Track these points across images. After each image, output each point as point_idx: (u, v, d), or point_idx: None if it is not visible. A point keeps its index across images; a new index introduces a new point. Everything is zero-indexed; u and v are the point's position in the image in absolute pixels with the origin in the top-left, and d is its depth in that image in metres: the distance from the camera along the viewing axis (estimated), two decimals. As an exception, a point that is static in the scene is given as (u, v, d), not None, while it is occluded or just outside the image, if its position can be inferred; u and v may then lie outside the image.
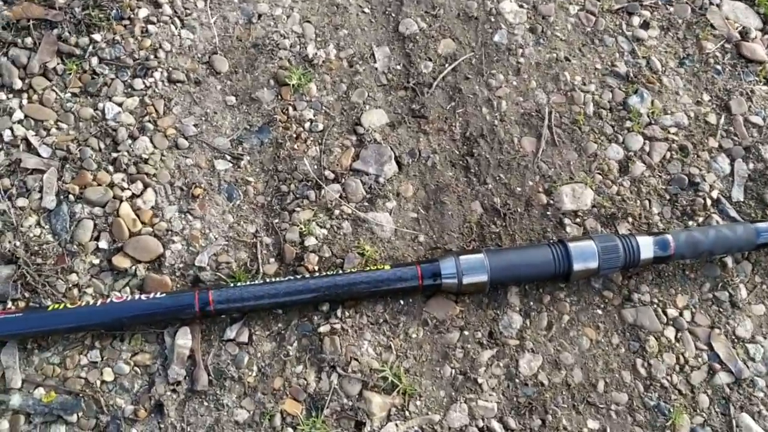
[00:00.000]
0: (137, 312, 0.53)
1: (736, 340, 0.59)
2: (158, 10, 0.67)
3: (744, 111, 0.68)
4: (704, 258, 0.60)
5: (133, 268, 0.57)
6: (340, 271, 0.56)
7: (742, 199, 0.65)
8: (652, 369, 0.57)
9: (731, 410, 0.57)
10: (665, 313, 0.60)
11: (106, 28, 0.66)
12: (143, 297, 0.54)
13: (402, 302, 0.58)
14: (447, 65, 0.67)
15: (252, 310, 0.56)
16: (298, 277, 0.56)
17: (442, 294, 0.57)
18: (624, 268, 0.58)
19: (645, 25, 0.71)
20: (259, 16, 0.68)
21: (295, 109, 0.64)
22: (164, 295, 0.54)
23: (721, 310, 0.60)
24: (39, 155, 0.60)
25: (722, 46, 0.71)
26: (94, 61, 0.64)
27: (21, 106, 0.62)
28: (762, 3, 0.73)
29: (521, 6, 0.71)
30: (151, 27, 0.66)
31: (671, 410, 0.56)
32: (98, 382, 0.53)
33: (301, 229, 0.59)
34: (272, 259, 0.59)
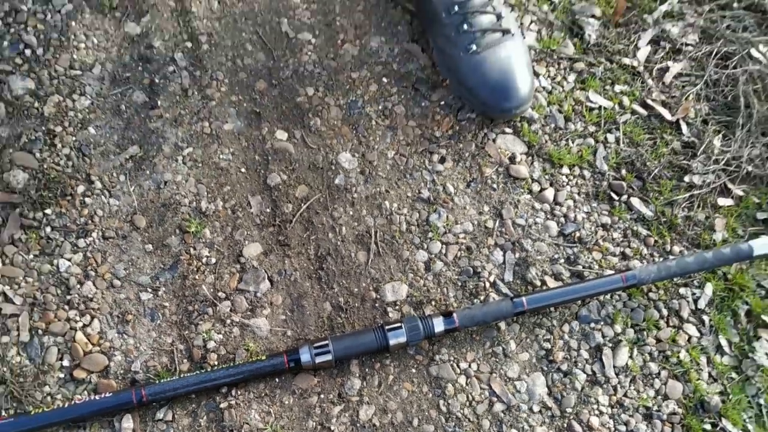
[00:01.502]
0: (93, 408, 0.78)
1: (507, 380, 0.88)
2: (91, 186, 0.94)
3: (512, 216, 0.98)
4: (481, 325, 0.89)
5: (89, 377, 0.82)
6: (232, 364, 0.83)
7: (511, 280, 0.94)
8: (450, 406, 0.85)
9: (504, 428, 0.85)
10: (459, 366, 0.87)
11: (55, 203, 0.92)
12: (97, 397, 0.79)
13: (277, 380, 0.84)
14: (302, 205, 0.95)
15: (174, 397, 0.82)
16: (203, 371, 0.82)
17: (304, 371, 0.85)
18: (426, 338, 0.86)
19: (442, 160, 1.01)
20: (165, 182, 0.95)
21: (195, 249, 0.91)
22: (111, 394, 0.79)
23: (497, 360, 0.89)
24: (14, 303, 0.86)
25: (497, 169, 1.01)
26: (48, 229, 0.90)
27: (-3, 269, 0.88)
28: (525, 132, 1.04)
29: (353, 155, 1.00)
30: (87, 199, 0.92)
31: (462, 433, 0.84)
32: (69, 461, 0.78)
33: (203, 336, 0.85)
34: (185, 360, 0.84)
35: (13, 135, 0.94)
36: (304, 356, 0.81)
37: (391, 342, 0.82)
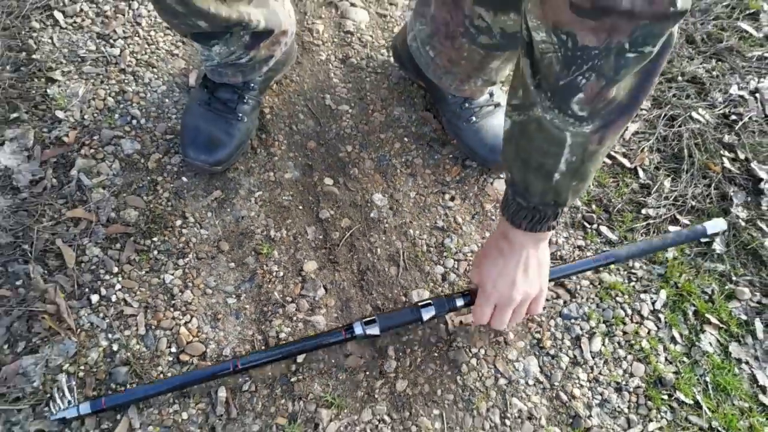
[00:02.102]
0: (198, 377, 1.04)
1: (508, 361, 1.14)
2: (186, 220, 1.22)
3: (508, 239, 1.27)
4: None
5: (191, 359, 1.09)
6: (303, 337, 1.09)
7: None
8: (465, 381, 1.10)
9: (507, 397, 1.11)
10: (470, 351, 1.14)
11: (159, 233, 1.20)
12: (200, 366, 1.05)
13: (333, 360, 1.11)
14: (347, 233, 1.24)
15: (258, 365, 1.02)
16: (281, 344, 1.08)
17: (357, 344, 1.11)
18: (450, 311, 1.07)
19: (452, 198, 1.30)
20: (242, 217, 1.24)
21: (267, 266, 1.19)
22: (211, 365, 1.06)
23: (500, 346, 1.15)
24: (132, 306, 1.13)
25: (495, 205, 1.31)
26: (155, 252, 1.18)
27: (118, 281, 1.15)
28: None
29: (384, 195, 1.29)
30: (184, 230, 1.21)
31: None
32: (180, 419, 1.03)
33: (276, 329, 1.12)
34: (263, 347, 1.11)
35: (126, 183, 1.23)
36: (357, 329, 1.02)
37: (424, 316, 1.02)
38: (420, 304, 1.04)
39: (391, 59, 1.44)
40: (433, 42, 1.22)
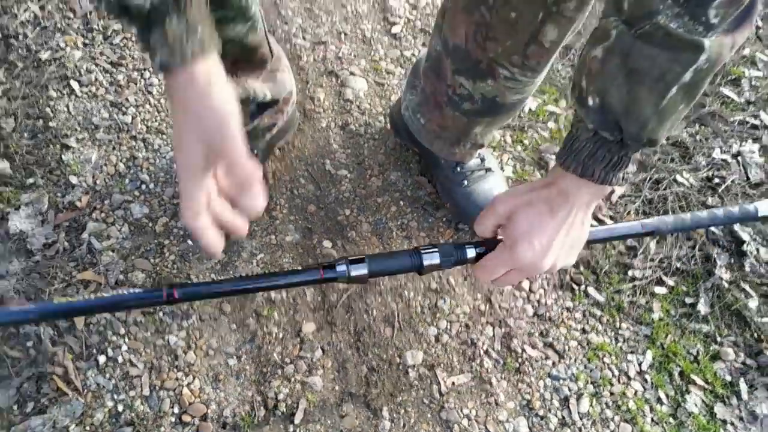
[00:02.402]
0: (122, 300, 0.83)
1: (498, 422, 1.18)
2: (189, 321, 1.28)
3: (499, 301, 1.32)
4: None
5: (192, 420, 1.13)
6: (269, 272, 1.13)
7: (499, 349, 1.26)
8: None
9: None
10: (462, 411, 1.18)
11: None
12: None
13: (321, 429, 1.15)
14: (344, 294, 1.30)
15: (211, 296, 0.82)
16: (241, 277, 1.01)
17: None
18: (457, 264, 0.81)
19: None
20: (244, 279, 1.30)
21: (267, 327, 1.24)
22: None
23: (490, 407, 1.20)
24: (138, 367, 1.18)
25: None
26: (161, 314, 1.24)
27: (125, 342, 1.20)
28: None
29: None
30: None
31: None
32: None
33: (275, 390, 1.17)
34: (262, 408, 1.16)
35: (134, 246, 1.30)
36: (340, 267, 0.77)
37: (425, 262, 0.79)
38: (422, 248, 0.80)
39: (388, 126, 1.51)
40: (423, 110, 1.29)
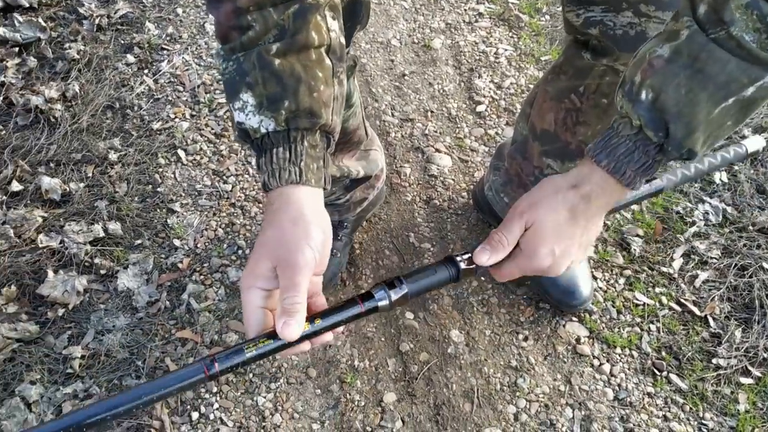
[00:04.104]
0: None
1: None
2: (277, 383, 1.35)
3: (579, 383, 1.32)
4: None
5: (276, 482, 1.18)
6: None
7: (579, 431, 1.26)
8: None
9: None
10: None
11: (255, 357, 1.33)
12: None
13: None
14: (425, 366, 1.33)
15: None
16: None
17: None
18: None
19: (525, 339, 1.38)
20: (330, 346, 1.35)
21: (350, 394, 1.29)
22: None
23: None
24: (228, 425, 1.24)
25: (566, 347, 1.37)
26: (250, 375, 1.30)
27: (216, 401, 1.27)
28: (587, 321, 1.41)
29: (461, 332, 1.38)
30: (277, 356, 1.33)
31: None
32: None
33: (356, 458, 1.21)
34: (343, 474, 1.19)
35: (229, 308, 1.38)
36: (379, 293, 0.71)
37: (462, 268, 0.76)
38: (455, 255, 0.77)
39: (471, 202, 1.56)
40: (507, 189, 1.34)
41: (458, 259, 0.75)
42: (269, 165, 0.68)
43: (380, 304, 0.70)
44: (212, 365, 0.63)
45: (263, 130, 0.68)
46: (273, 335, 0.65)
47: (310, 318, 0.66)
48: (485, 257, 0.73)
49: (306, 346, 0.67)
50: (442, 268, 0.75)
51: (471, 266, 0.75)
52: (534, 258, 0.74)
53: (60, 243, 1.41)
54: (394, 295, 0.71)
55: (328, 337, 0.68)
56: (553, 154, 1.15)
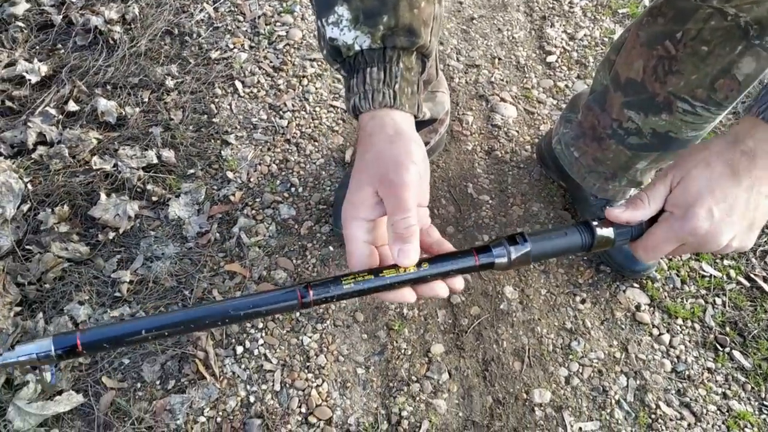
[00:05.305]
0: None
1: None
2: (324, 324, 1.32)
3: (636, 351, 1.26)
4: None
5: (318, 422, 1.16)
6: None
7: (632, 401, 1.21)
8: None
9: None
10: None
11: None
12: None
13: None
14: (475, 321, 1.29)
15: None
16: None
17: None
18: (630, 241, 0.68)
19: (583, 301, 1.33)
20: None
21: (396, 342, 1.25)
22: None
23: None
24: (272, 362, 1.22)
25: (625, 314, 1.31)
26: (297, 314, 1.28)
27: (262, 337, 1.25)
28: (649, 288, 1.34)
29: (515, 289, 1.33)
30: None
31: None
32: None
33: (399, 406, 1.18)
34: (385, 422, 1.17)
35: (279, 246, 1.35)
36: (498, 250, 0.63)
37: (599, 234, 0.66)
38: (592, 221, 0.67)
39: (535, 156, 1.49)
40: (579, 143, 1.27)
41: (594, 223, 0.66)
42: (361, 86, 0.63)
43: (497, 261, 0.62)
44: (306, 292, 0.58)
45: (357, 47, 0.63)
46: (375, 272, 0.58)
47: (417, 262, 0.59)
48: (619, 210, 0.65)
49: (410, 294, 0.59)
50: (573, 231, 0.65)
51: (607, 232, 0.66)
52: (687, 219, 0.61)
53: (113, 166, 1.39)
54: (515, 252, 0.62)
55: (440, 289, 0.60)
56: (637, 105, 1.06)
